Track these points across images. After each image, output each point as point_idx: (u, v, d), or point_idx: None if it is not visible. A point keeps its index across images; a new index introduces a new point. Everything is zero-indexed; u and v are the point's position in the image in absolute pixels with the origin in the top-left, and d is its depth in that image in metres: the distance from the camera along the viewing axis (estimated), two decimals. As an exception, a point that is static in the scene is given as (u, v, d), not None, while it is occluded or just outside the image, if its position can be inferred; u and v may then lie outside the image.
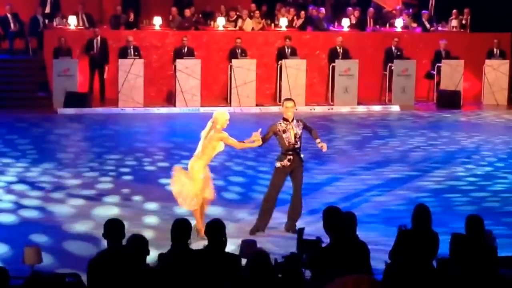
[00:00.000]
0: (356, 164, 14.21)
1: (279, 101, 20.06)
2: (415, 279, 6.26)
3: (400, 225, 7.51)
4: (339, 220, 6.80)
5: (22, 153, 14.56)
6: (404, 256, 6.67)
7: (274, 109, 18.74)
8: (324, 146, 10.18)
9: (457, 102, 20.89)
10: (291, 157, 10.04)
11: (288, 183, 10.33)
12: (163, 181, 12.85)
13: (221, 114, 9.92)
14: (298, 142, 10.08)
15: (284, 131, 10.04)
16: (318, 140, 10.21)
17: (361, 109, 20.38)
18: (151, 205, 11.49)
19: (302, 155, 10.19)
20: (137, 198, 11.86)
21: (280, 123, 10.09)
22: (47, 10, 21.44)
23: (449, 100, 20.84)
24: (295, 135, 10.04)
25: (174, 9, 21.73)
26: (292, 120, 10.08)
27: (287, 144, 10.03)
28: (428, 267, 6.69)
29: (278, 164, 10.11)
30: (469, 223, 7.11)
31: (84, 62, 19.87)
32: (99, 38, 19.99)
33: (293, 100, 10.31)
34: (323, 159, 14.11)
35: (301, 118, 10.38)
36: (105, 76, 19.96)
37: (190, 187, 9.82)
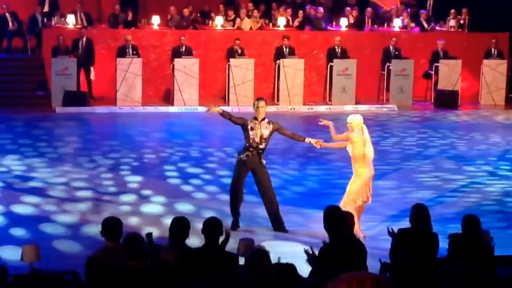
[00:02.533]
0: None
1: (277, 101, 20.10)
2: (414, 279, 6.27)
3: (390, 228, 7.46)
4: (338, 219, 6.83)
5: (21, 152, 14.55)
6: (403, 256, 6.68)
7: (272, 108, 18.71)
8: (317, 142, 10.21)
9: (455, 102, 20.91)
10: (250, 153, 10.09)
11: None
12: (162, 179, 12.85)
13: (351, 118, 10.29)
14: (263, 143, 10.12)
15: (252, 129, 10.12)
16: (308, 140, 10.22)
17: (359, 108, 20.36)
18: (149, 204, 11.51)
19: (263, 158, 10.16)
20: (135, 196, 11.86)
21: (252, 120, 10.17)
22: (46, 9, 21.41)
23: (447, 100, 20.86)
24: (261, 135, 10.09)
25: (172, 8, 21.73)
26: (262, 120, 10.13)
27: (250, 141, 10.11)
28: (427, 268, 6.69)
29: (237, 157, 10.25)
30: (465, 223, 7.11)
31: (82, 61, 19.84)
32: (84, 38, 19.77)
33: (264, 100, 10.35)
34: (324, 158, 14.13)
35: (277, 122, 10.31)
36: (91, 77, 19.75)
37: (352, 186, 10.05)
